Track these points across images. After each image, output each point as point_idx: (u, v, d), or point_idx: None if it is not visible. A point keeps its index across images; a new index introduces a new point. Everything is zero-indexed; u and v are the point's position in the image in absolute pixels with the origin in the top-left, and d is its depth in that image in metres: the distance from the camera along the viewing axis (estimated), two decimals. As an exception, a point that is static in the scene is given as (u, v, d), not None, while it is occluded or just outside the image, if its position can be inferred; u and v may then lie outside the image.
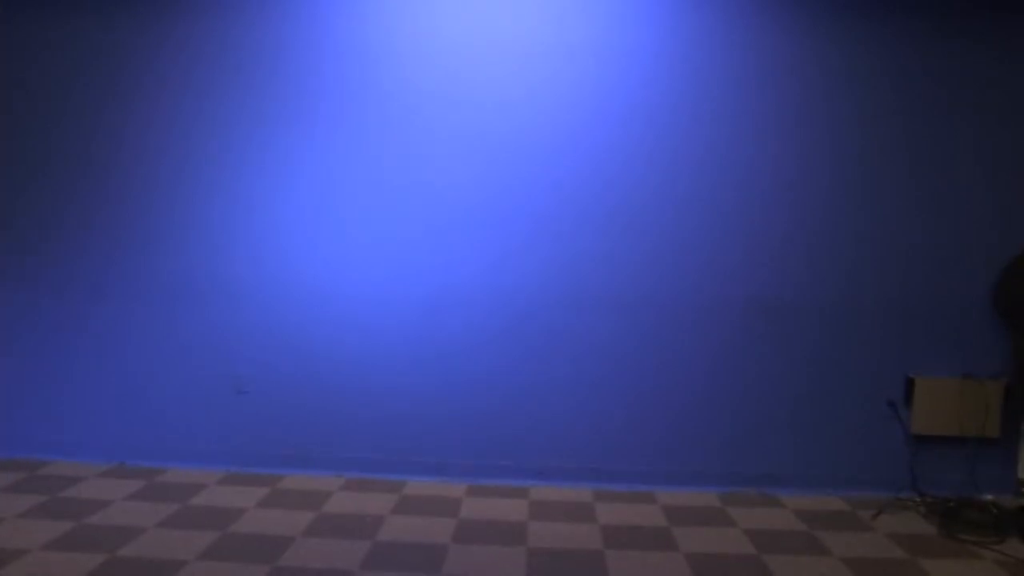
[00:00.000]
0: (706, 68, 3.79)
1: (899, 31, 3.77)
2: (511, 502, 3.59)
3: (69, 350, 3.97)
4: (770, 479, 3.83)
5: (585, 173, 3.82)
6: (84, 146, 3.93)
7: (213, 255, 3.90)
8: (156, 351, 3.94)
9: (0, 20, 3.95)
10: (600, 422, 3.87)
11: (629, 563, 2.95)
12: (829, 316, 3.81)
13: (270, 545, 3.02)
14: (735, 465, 3.84)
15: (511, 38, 3.81)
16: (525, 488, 3.80)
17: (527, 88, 3.81)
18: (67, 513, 3.26)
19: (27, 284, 3.97)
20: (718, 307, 3.82)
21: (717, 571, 2.91)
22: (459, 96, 3.82)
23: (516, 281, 3.83)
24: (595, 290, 3.83)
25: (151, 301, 3.93)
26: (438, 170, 3.84)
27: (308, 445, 3.92)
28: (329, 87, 3.86)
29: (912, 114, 3.78)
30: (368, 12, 3.84)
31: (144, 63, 3.90)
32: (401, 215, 3.84)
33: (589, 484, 3.84)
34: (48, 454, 3.98)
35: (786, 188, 3.81)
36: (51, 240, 3.96)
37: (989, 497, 3.65)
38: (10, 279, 3.98)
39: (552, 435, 3.87)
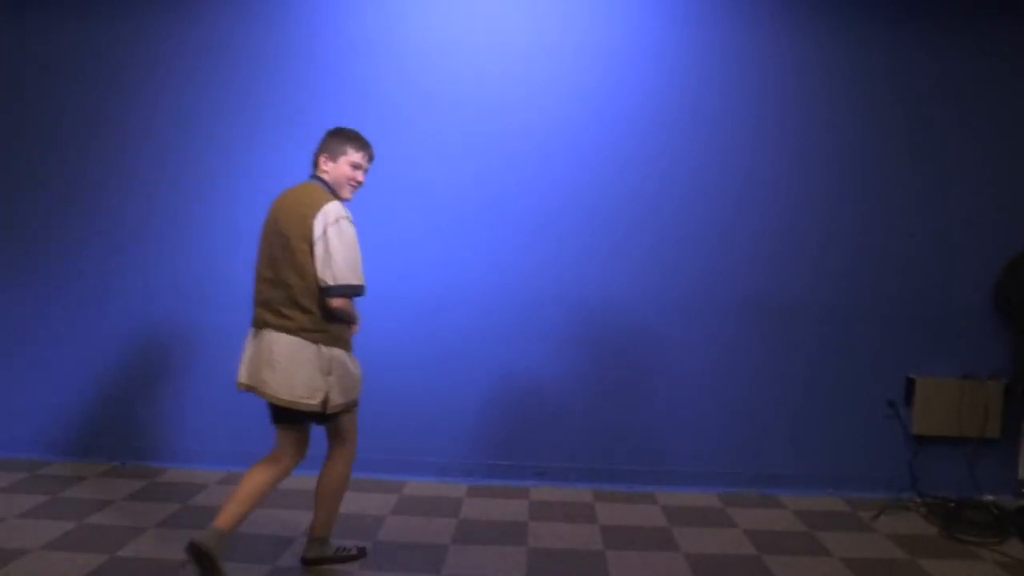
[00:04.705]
0: (706, 69, 3.79)
1: (900, 32, 3.77)
2: (511, 502, 3.59)
3: (69, 350, 3.97)
4: (770, 480, 3.83)
5: (586, 174, 3.82)
6: (85, 148, 3.93)
7: (214, 255, 3.90)
8: (157, 351, 3.93)
9: (1, 22, 3.95)
10: (600, 422, 3.86)
11: (630, 563, 2.95)
12: (829, 316, 3.81)
13: (270, 546, 3.02)
14: (735, 466, 3.84)
15: (512, 39, 3.81)
16: (525, 488, 3.80)
17: (528, 88, 3.81)
18: (68, 513, 3.26)
19: (28, 285, 3.97)
20: (718, 307, 3.82)
21: (717, 572, 2.91)
22: (461, 96, 3.81)
23: (517, 281, 3.83)
24: (595, 290, 3.83)
25: (152, 301, 3.92)
26: (439, 170, 3.83)
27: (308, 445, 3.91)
28: (330, 87, 3.86)
29: (912, 114, 3.78)
30: (369, 13, 3.83)
31: (145, 63, 3.90)
32: (401, 215, 3.83)
33: (589, 484, 3.84)
34: (49, 454, 3.97)
35: (786, 188, 3.80)
36: (51, 241, 3.95)
37: (989, 497, 3.65)
38: (11, 279, 3.98)
39: (552, 435, 3.87)
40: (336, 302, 2.52)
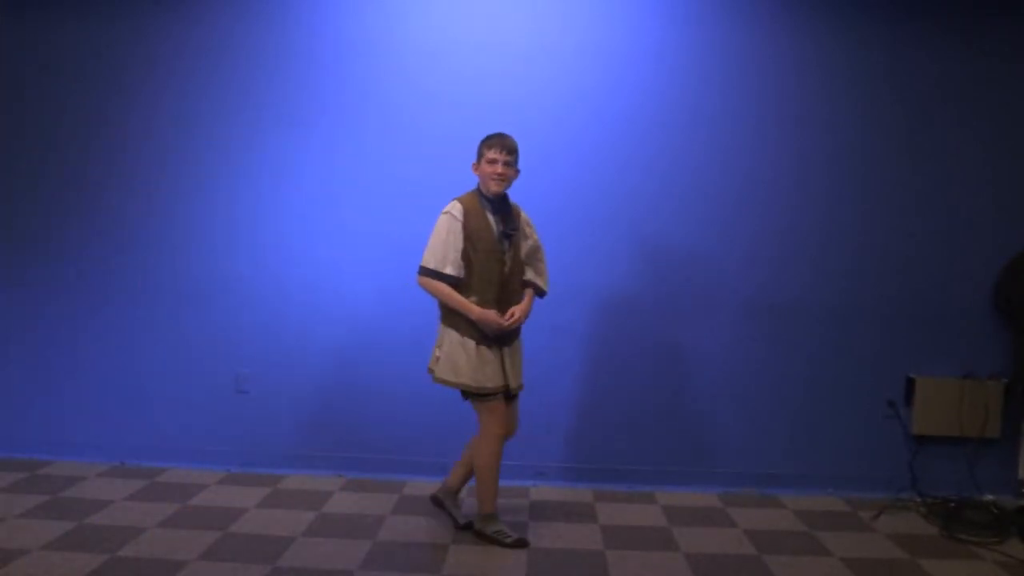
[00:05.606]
0: (706, 69, 3.79)
1: (900, 32, 3.77)
2: (512, 502, 3.59)
3: (69, 350, 3.96)
4: (770, 479, 3.83)
5: (586, 174, 3.82)
6: (85, 148, 3.93)
7: (214, 255, 3.90)
8: (157, 351, 3.93)
9: (1, 22, 3.95)
10: (600, 422, 3.86)
11: (630, 563, 2.95)
12: (829, 316, 3.81)
13: (270, 545, 3.02)
14: (735, 465, 3.84)
15: (512, 39, 3.81)
16: (525, 488, 3.80)
17: (528, 88, 3.81)
18: (68, 513, 3.26)
19: (28, 284, 3.97)
20: (718, 307, 3.82)
21: (718, 571, 2.91)
22: (461, 96, 3.81)
23: (516, 281, 3.82)
24: (595, 290, 3.83)
25: (152, 301, 3.92)
26: (439, 171, 3.82)
27: (308, 445, 3.92)
28: (331, 87, 3.86)
29: (912, 114, 3.78)
30: (369, 13, 3.83)
31: (145, 63, 3.89)
32: (402, 215, 3.82)
33: (589, 484, 3.84)
34: (49, 454, 3.97)
35: (786, 188, 3.80)
36: (51, 241, 3.95)
37: (989, 497, 3.65)
38: (11, 280, 3.98)
39: (552, 435, 3.86)
40: (418, 280, 2.99)
